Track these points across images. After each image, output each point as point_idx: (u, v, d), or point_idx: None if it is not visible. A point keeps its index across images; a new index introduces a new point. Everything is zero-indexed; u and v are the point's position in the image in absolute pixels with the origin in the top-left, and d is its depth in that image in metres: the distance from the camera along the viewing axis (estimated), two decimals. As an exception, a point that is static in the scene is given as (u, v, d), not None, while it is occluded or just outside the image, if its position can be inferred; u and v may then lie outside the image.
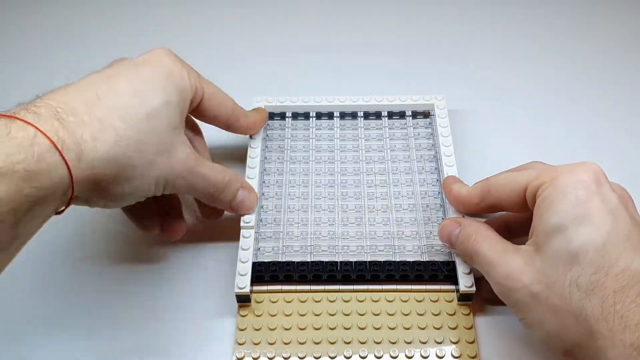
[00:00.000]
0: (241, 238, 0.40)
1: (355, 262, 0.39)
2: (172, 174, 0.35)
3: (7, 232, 0.28)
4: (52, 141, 0.29)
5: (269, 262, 0.39)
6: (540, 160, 0.40)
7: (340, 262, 0.39)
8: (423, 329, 0.37)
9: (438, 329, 0.37)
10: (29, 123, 0.29)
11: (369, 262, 0.39)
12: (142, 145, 0.33)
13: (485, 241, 0.34)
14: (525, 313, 0.32)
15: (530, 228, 0.33)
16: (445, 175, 0.42)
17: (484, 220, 0.39)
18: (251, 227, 0.40)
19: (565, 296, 0.30)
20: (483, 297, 0.38)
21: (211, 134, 0.49)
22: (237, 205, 0.39)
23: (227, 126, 0.42)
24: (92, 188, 0.32)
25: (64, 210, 0.32)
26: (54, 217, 0.32)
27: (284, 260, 0.40)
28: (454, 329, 0.37)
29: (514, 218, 0.39)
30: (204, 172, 0.37)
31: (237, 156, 0.47)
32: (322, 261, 0.39)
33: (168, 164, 0.34)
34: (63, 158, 0.29)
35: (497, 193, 0.36)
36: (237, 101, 0.50)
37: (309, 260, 0.40)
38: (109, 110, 0.32)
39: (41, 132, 0.29)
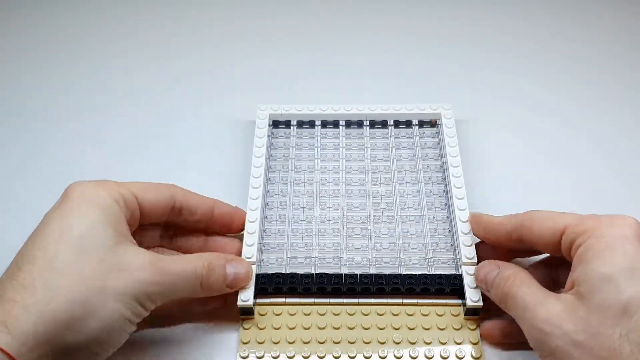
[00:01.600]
0: (244, 247, 0.39)
1: (360, 274, 0.39)
2: (138, 286, 0.32)
3: None
4: None
5: (272, 274, 0.39)
6: (548, 167, 0.40)
7: (345, 274, 0.39)
8: (429, 343, 0.37)
9: (444, 343, 0.37)
10: None
11: (375, 274, 0.39)
12: (82, 279, 0.30)
13: (524, 284, 0.33)
14: None
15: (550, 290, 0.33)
16: (452, 186, 0.42)
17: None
18: (252, 263, 0.39)
19: (615, 349, 0.29)
20: (486, 338, 0.37)
21: (212, 143, 0.49)
22: (232, 283, 0.36)
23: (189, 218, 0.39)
24: (48, 351, 0.29)
25: None
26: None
27: (288, 272, 0.39)
28: (460, 343, 0.37)
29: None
30: (174, 267, 0.33)
31: (240, 165, 0.47)
32: (327, 273, 0.39)
33: (123, 278, 0.31)
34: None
35: (531, 228, 0.35)
36: (242, 110, 0.50)
37: (313, 272, 0.39)
38: (31, 272, 0.30)
39: None
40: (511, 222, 0.36)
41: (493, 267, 0.35)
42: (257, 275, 0.38)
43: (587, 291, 0.30)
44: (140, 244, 0.35)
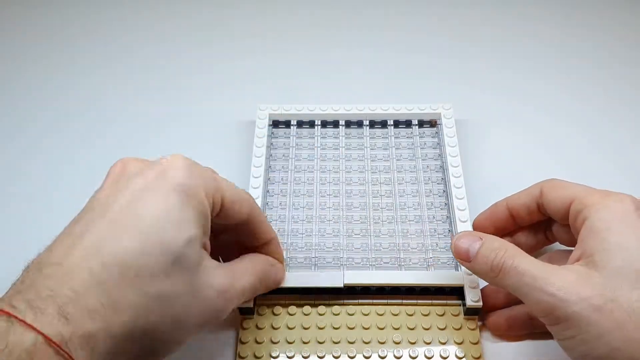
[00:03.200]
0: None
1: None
2: (213, 313, 0.31)
3: None
4: (58, 346, 0.24)
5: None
6: (548, 167, 0.41)
7: (345, 274, 0.39)
8: (429, 343, 0.37)
9: (444, 343, 0.37)
10: (30, 326, 0.24)
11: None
12: (167, 306, 0.28)
13: (521, 256, 0.33)
14: (582, 328, 0.30)
15: (541, 246, 0.34)
16: (452, 186, 0.42)
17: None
18: None
19: (634, 310, 0.29)
20: (492, 330, 0.38)
21: (212, 143, 0.49)
22: (270, 288, 0.37)
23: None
24: None
25: None
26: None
27: (287, 272, 0.39)
28: (460, 343, 0.37)
29: (525, 237, 0.40)
30: (245, 283, 0.33)
31: (240, 165, 0.47)
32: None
33: (204, 304, 0.30)
34: None
35: (549, 193, 0.36)
36: (242, 110, 0.50)
37: (313, 272, 0.39)
38: (119, 285, 0.26)
39: (46, 337, 0.24)
40: (530, 190, 0.38)
41: (475, 239, 0.35)
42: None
43: (601, 260, 0.31)
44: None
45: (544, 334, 0.34)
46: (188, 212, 0.29)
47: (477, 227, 0.40)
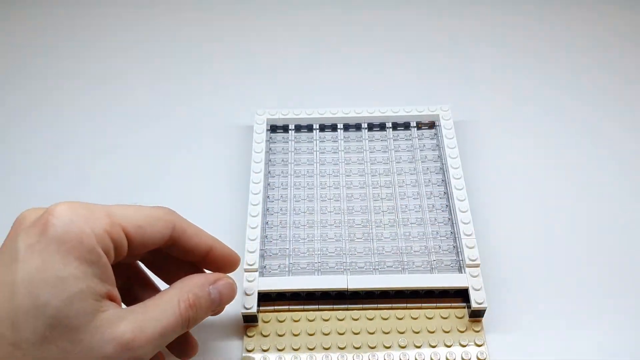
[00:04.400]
0: (246, 254, 0.39)
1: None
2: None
3: None
4: None
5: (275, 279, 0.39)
6: (548, 167, 0.38)
7: (348, 278, 0.38)
8: (434, 346, 0.37)
9: (449, 346, 0.37)
10: None
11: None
12: None
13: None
14: None
15: None
16: (453, 188, 0.42)
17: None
18: (255, 270, 0.38)
19: None
20: None
21: (210, 149, 0.49)
22: (218, 308, 0.33)
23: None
24: None
25: None
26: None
27: (290, 276, 0.39)
28: (466, 346, 0.37)
29: None
30: (158, 326, 0.28)
31: (240, 171, 0.46)
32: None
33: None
34: None
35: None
36: (239, 115, 0.50)
37: (316, 277, 0.39)
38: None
39: None
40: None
41: None
42: (260, 282, 0.38)
43: None
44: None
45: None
46: (70, 266, 0.26)
47: None
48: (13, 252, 0.26)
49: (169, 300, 0.30)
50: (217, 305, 0.32)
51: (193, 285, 0.31)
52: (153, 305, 0.29)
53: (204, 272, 0.34)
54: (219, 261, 0.34)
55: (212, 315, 0.33)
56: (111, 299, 0.28)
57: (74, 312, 0.26)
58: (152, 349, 0.28)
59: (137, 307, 0.29)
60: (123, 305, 0.29)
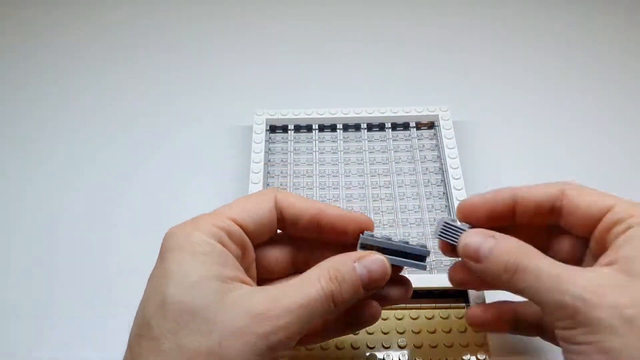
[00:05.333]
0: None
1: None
2: (259, 342, 0.27)
3: None
4: None
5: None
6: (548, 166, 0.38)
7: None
8: (434, 347, 0.37)
9: (449, 346, 0.37)
10: None
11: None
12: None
13: (539, 256, 0.29)
14: (605, 336, 0.26)
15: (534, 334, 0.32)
16: (452, 188, 0.42)
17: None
18: None
19: None
20: (472, 322, 0.34)
21: (210, 149, 0.49)
22: (368, 285, 0.30)
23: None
24: None
25: None
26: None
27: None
28: (466, 346, 0.37)
29: (526, 312, 0.34)
30: (295, 297, 0.27)
31: (239, 171, 0.46)
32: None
33: (239, 340, 0.26)
34: None
35: (575, 197, 0.31)
36: (239, 115, 0.50)
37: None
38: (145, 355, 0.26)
39: None
40: (548, 188, 0.31)
41: (486, 237, 0.30)
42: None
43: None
44: (271, 273, 0.31)
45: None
46: (186, 262, 0.28)
47: (466, 209, 0.32)
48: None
49: (308, 277, 0.28)
50: (366, 282, 0.29)
51: (334, 262, 0.29)
52: (291, 283, 0.28)
53: None
54: (336, 226, 0.31)
55: (367, 293, 0.30)
56: (242, 282, 0.28)
57: (199, 295, 0.27)
58: (294, 322, 0.27)
59: (274, 285, 0.29)
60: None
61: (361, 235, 0.31)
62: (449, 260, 0.39)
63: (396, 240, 0.31)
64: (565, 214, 0.31)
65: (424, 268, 0.31)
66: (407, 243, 0.31)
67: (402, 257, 0.31)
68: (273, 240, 0.32)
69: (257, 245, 0.31)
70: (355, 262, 0.29)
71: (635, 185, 0.46)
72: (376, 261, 0.30)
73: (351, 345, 0.37)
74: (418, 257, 0.31)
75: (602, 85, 0.53)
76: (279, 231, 0.32)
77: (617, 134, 0.50)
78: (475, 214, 0.32)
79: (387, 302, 0.32)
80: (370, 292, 0.30)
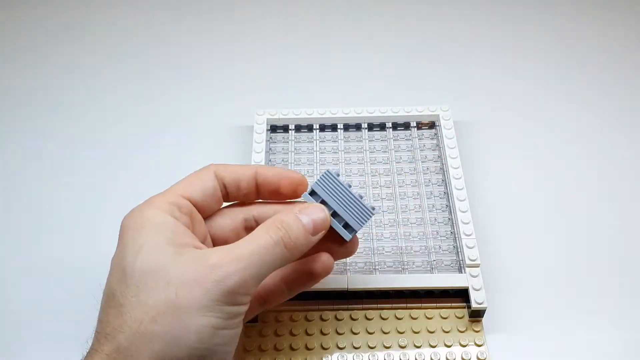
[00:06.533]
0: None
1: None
2: (215, 289, 0.28)
3: None
4: None
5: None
6: (548, 165, 0.38)
7: (348, 278, 0.38)
8: (434, 346, 0.37)
9: (449, 346, 0.37)
10: None
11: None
12: (152, 322, 0.27)
13: None
14: None
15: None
16: (453, 188, 0.42)
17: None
18: None
19: None
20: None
21: (210, 149, 0.49)
22: (315, 230, 0.31)
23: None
24: None
25: None
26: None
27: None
28: (465, 346, 0.37)
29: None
30: (248, 246, 0.29)
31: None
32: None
33: (194, 291, 0.28)
34: None
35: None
36: (239, 115, 0.50)
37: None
38: (111, 327, 0.28)
39: None
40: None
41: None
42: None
43: None
44: (227, 242, 0.32)
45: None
46: (142, 235, 0.29)
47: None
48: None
49: (257, 231, 0.30)
50: (312, 229, 0.31)
51: (278, 215, 0.31)
52: (242, 239, 0.30)
53: None
54: (272, 180, 0.33)
55: (315, 238, 0.31)
56: (196, 248, 0.30)
57: (155, 258, 0.28)
58: (247, 267, 0.28)
59: (228, 245, 0.30)
60: None
61: (321, 174, 0.33)
62: (449, 260, 0.39)
63: (347, 197, 0.32)
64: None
65: (347, 239, 0.33)
66: (355, 203, 0.32)
67: (337, 220, 0.33)
68: (224, 211, 0.34)
69: (209, 217, 0.33)
70: (297, 211, 0.31)
71: (635, 184, 0.46)
72: (316, 208, 0.32)
73: (352, 345, 0.37)
74: (349, 227, 0.33)
75: (602, 84, 0.53)
76: (225, 204, 0.34)
77: (618, 133, 0.49)
78: None
79: (336, 255, 0.34)
80: (318, 238, 0.32)
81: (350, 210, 0.32)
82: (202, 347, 0.27)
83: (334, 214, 0.32)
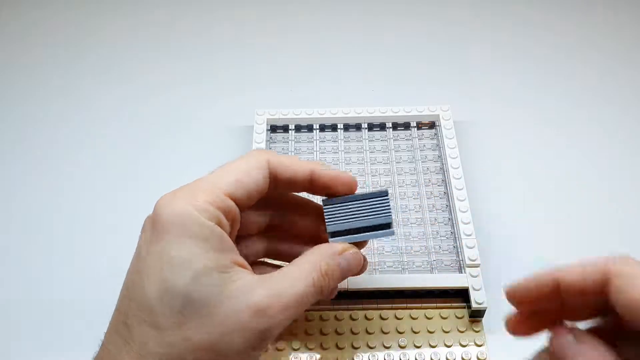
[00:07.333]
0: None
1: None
2: (258, 330, 0.27)
3: None
4: None
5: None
6: (548, 166, 0.37)
7: (348, 278, 0.38)
8: (434, 346, 0.37)
9: (450, 346, 0.37)
10: None
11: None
12: (191, 349, 0.27)
13: None
14: None
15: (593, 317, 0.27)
16: (453, 188, 0.42)
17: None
18: None
19: None
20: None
21: (210, 149, 0.49)
22: (346, 275, 0.32)
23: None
24: None
25: None
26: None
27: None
28: (466, 346, 0.37)
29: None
30: (291, 290, 0.28)
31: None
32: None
33: (241, 332, 0.27)
34: None
35: (623, 294, 0.25)
36: (239, 115, 0.50)
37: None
38: (144, 344, 0.27)
39: None
40: (586, 276, 0.27)
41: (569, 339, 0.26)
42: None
43: None
44: (246, 230, 0.32)
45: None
46: (186, 246, 0.27)
47: (513, 298, 0.29)
48: (137, 251, 0.29)
49: (303, 270, 0.29)
50: (345, 274, 0.31)
51: (324, 255, 0.30)
52: (288, 273, 0.29)
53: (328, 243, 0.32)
54: (328, 183, 0.32)
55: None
56: (238, 264, 0.28)
57: (203, 288, 0.27)
58: (287, 317, 0.28)
59: (270, 276, 0.29)
60: (252, 273, 0.29)
61: (324, 207, 0.32)
62: (449, 260, 0.39)
63: (356, 205, 0.32)
64: (615, 304, 0.25)
65: (392, 234, 0.32)
66: (367, 203, 0.32)
67: (369, 231, 0.32)
68: (254, 239, 0.34)
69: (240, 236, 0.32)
70: (338, 255, 0.31)
71: (636, 184, 0.46)
72: (354, 255, 0.31)
73: (352, 345, 0.37)
74: (383, 225, 0.32)
75: (602, 84, 0.53)
76: None
77: (619, 132, 0.49)
78: (522, 300, 0.29)
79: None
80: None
81: (372, 213, 0.32)
82: None
83: (364, 229, 0.32)
